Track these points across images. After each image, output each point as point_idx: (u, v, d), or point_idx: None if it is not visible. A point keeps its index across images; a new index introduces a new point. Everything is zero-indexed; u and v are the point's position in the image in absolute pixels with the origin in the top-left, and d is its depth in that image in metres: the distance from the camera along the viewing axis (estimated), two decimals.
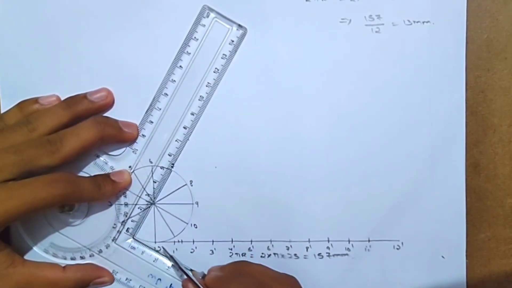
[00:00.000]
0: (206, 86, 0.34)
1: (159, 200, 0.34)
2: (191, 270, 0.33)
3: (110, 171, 0.34)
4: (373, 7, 0.33)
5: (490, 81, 0.33)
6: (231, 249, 0.34)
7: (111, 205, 0.34)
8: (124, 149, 0.34)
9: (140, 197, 0.34)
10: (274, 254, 0.34)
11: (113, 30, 0.34)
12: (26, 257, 0.34)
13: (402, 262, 0.34)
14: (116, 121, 0.33)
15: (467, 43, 0.33)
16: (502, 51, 0.33)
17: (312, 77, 0.34)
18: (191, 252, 0.35)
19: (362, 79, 0.34)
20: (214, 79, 0.34)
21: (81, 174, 0.34)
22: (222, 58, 0.34)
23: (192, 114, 0.34)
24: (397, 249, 0.34)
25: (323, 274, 0.34)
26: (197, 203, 0.34)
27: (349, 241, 0.34)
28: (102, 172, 0.34)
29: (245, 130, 0.34)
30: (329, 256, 0.34)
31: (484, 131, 0.34)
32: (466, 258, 0.34)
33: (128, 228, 0.35)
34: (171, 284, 0.34)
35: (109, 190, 0.33)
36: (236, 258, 0.34)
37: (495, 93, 0.33)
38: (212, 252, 0.35)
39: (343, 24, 0.33)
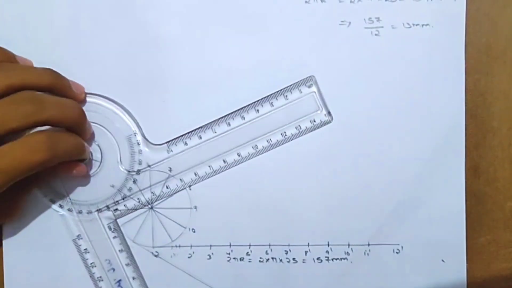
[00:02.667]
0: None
1: (157, 204, 0.34)
2: None
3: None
4: (372, 9, 0.33)
5: (489, 85, 0.33)
6: (229, 254, 0.34)
7: (112, 186, 0.34)
8: None
9: (141, 192, 0.34)
10: (273, 258, 0.34)
11: (116, 31, 0.33)
12: None
13: (402, 266, 0.34)
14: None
15: (466, 46, 0.33)
16: (501, 54, 0.33)
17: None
18: (188, 257, 0.34)
19: (361, 82, 0.33)
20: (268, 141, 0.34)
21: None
22: (296, 127, 0.33)
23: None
24: (397, 253, 0.34)
25: (322, 278, 0.34)
26: (195, 207, 0.34)
27: (348, 245, 0.34)
28: (131, 149, 0.34)
29: None
30: (328, 260, 0.34)
31: (484, 134, 0.34)
32: (466, 262, 0.33)
33: (116, 209, 0.34)
34: (120, 280, 0.34)
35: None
36: (234, 263, 0.34)
37: (494, 96, 0.33)
38: (210, 256, 0.34)
39: (342, 26, 0.33)
